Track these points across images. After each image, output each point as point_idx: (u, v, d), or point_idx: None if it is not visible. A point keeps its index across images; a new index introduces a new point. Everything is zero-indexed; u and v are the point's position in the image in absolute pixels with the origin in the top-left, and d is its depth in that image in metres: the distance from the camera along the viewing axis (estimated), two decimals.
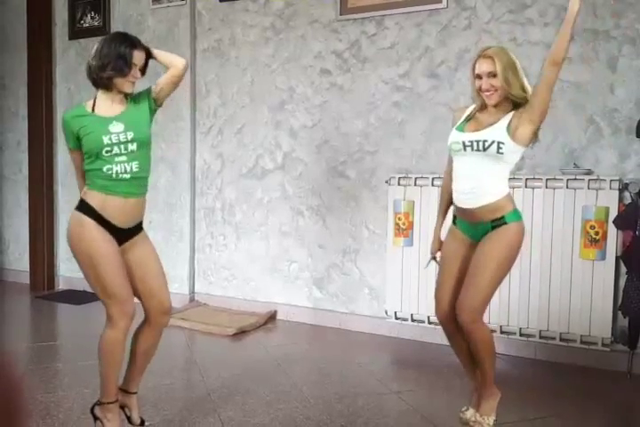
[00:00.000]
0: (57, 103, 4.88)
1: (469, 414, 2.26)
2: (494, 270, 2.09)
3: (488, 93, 2.08)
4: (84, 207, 2.08)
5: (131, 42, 2.08)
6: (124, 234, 2.12)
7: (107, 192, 2.07)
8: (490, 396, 2.24)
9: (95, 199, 2.07)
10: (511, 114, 2.09)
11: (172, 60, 2.20)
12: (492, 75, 2.06)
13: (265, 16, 4.04)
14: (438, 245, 2.39)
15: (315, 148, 3.90)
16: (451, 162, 2.25)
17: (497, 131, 2.05)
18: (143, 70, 2.14)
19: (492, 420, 2.23)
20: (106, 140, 2.03)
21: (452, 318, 2.21)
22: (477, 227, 2.15)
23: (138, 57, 2.08)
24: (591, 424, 2.49)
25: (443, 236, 2.37)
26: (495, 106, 2.11)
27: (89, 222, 2.05)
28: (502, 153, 2.04)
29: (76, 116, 2.09)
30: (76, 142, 2.09)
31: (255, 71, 4.10)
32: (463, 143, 2.11)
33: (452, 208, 2.28)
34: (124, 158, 2.06)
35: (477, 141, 2.08)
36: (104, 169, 2.06)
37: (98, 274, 2.04)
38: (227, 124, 4.23)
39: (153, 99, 2.17)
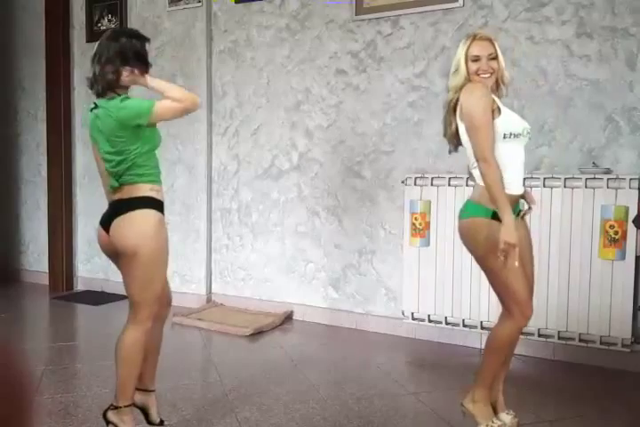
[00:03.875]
0: (75, 106, 4.92)
1: (507, 418, 2.16)
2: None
3: (486, 76, 2.07)
4: (155, 204, 2.06)
5: (137, 36, 2.10)
6: None
7: (160, 184, 2.13)
8: (478, 392, 2.15)
9: (160, 193, 2.11)
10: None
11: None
12: (492, 57, 2.07)
13: (280, 17, 4.04)
14: None
15: (330, 148, 3.89)
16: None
17: None
18: None
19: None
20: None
21: None
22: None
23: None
24: (612, 426, 2.46)
25: None
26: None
27: (164, 220, 2.07)
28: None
29: None
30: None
31: (271, 72, 4.11)
32: (525, 130, 2.11)
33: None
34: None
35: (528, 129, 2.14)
36: (159, 160, 2.15)
37: (160, 275, 2.04)
38: (243, 125, 4.24)
39: None
